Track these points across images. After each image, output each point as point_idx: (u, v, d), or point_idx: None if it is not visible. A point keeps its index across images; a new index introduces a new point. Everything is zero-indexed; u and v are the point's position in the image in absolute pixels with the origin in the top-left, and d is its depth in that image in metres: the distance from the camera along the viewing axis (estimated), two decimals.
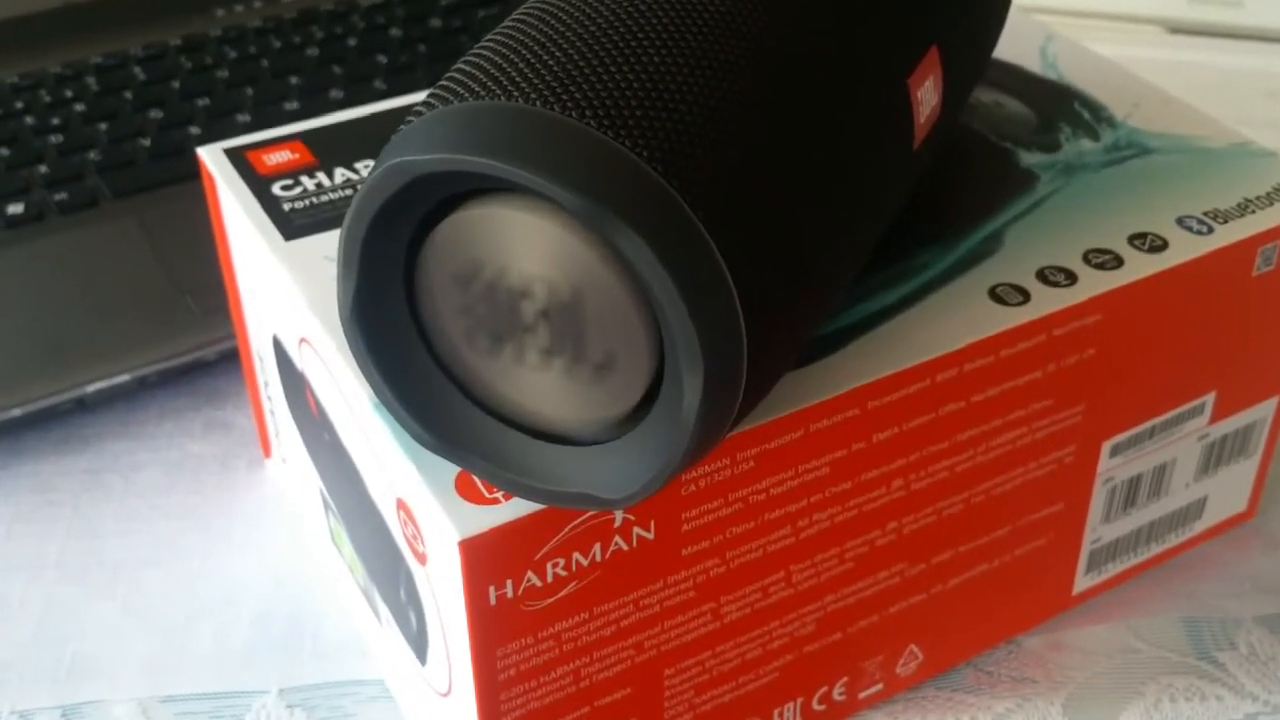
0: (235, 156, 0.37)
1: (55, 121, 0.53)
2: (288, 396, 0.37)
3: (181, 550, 0.40)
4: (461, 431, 0.26)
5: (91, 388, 0.43)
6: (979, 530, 0.34)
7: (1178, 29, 0.64)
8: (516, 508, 0.27)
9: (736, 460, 0.29)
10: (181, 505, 0.42)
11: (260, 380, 0.40)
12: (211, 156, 0.37)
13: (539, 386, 0.25)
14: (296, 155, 0.37)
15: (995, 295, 0.32)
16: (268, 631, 0.38)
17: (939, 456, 0.32)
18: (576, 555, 0.28)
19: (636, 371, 0.24)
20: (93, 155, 0.52)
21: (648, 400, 0.25)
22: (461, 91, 0.24)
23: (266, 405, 0.40)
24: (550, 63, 0.24)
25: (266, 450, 0.42)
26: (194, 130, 0.53)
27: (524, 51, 0.24)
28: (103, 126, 0.53)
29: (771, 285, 0.24)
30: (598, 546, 0.28)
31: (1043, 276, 0.32)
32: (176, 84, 0.56)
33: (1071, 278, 0.32)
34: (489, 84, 0.24)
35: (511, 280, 0.24)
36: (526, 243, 0.24)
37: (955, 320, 0.31)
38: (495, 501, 0.27)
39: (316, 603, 0.38)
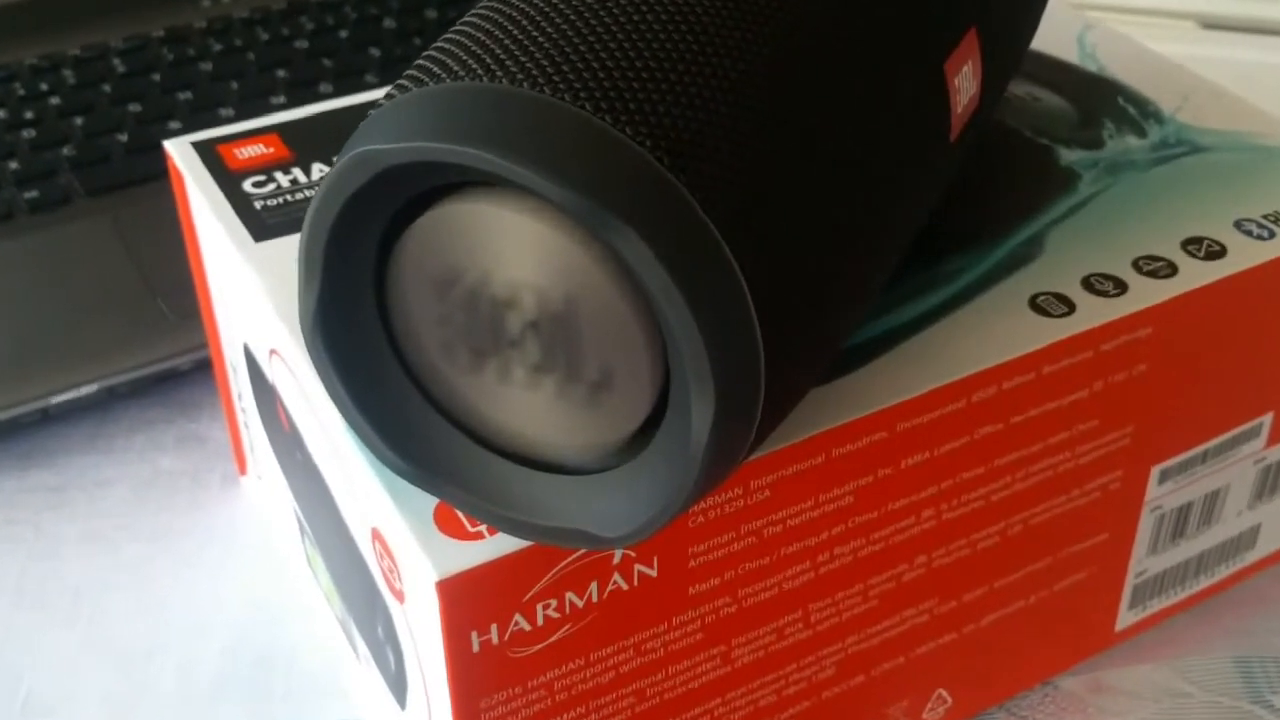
0: (204, 150, 0.34)
1: (29, 116, 0.51)
2: (260, 410, 0.34)
3: (147, 575, 0.37)
4: (439, 458, 0.23)
5: (57, 399, 0.40)
6: (1016, 564, 0.31)
7: (1211, 24, 0.61)
8: (502, 543, 0.24)
9: (750, 489, 0.26)
10: (150, 525, 0.39)
11: (234, 392, 0.37)
12: (179, 150, 0.34)
13: (527, 408, 0.22)
14: (271, 149, 0.34)
15: (1037, 305, 0.29)
16: (237, 666, 0.35)
17: (974, 484, 0.29)
18: (570, 595, 0.25)
19: (638, 392, 0.21)
20: (66, 151, 0.49)
21: (650, 425, 0.22)
22: (437, 72, 0.21)
23: (241, 419, 0.37)
24: (539, 39, 0.21)
25: (242, 467, 0.39)
26: (174, 125, 0.50)
27: (509, 27, 0.21)
28: (78, 121, 0.50)
29: (792, 295, 0.21)
30: (594, 585, 0.25)
31: (1089, 285, 0.29)
32: (157, 77, 0.53)
33: (1121, 286, 0.29)
34: (469, 63, 0.21)
35: (495, 288, 0.21)
36: (512, 245, 0.21)
37: (993, 333, 0.28)
38: (479, 536, 0.24)
39: (291, 635, 0.36)
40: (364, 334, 0.23)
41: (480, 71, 0.20)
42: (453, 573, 0.24)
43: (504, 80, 0.20)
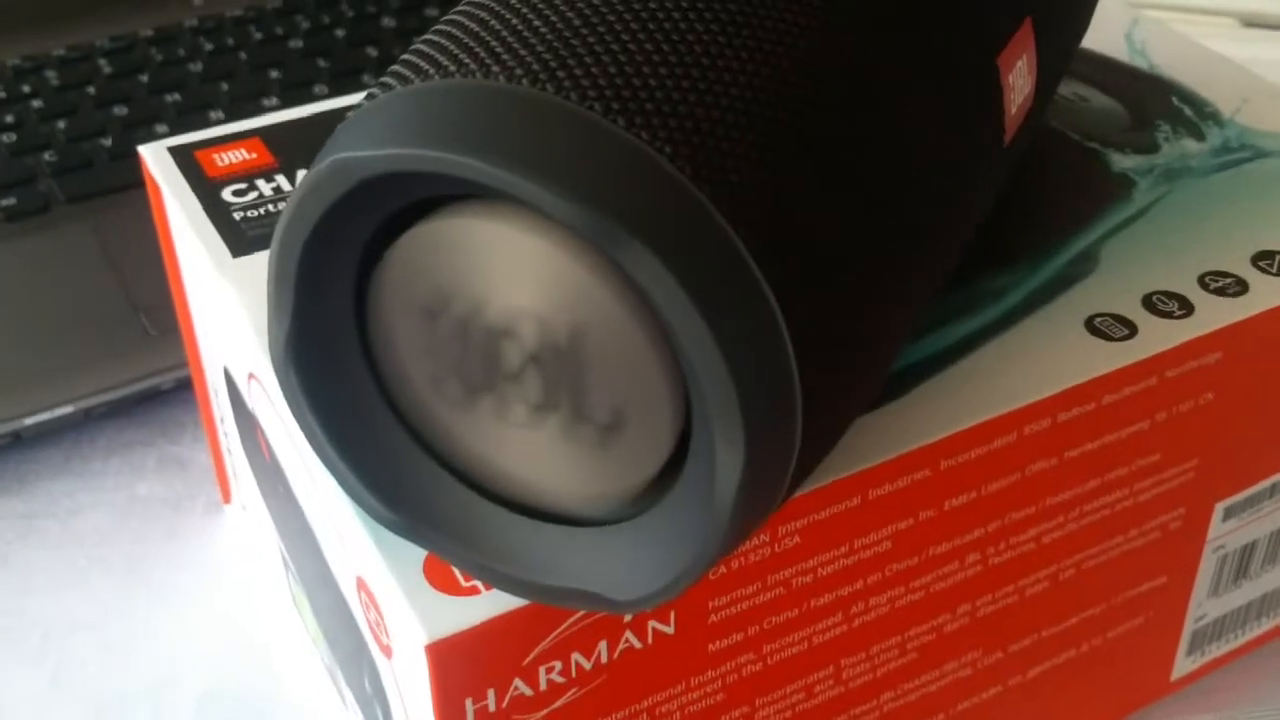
0: (181, 156, 0.31)
1: (9, 119, 0.48)
2: (241, 437, 0.32)
3: (122, 612, 0.35)
4: (429, 505, 0.20)
5: (30, 420, 0.38)
6: (1067, 611, 0.28)
7: (1252, 23, 0.58)
8: (500, 600, 0.21)
9: (778, 535, 0.23)
10: (125, 557, 0.36)
11: (216, 415, 0.34)
12: (154, 156, 0.31)
13: (528, 451, 0.19)
14: (254, 155, 0.31)
15: (1094, 328, 0.26)
16: (216, 714, 0.32)
17: (1024, 525, 0.26)
18: (577, 657, 0.22)
19: (654, 435, 0.18)
20: (48, 156, 0.46)
21: (669, 472, 0.19)
22: (424, 68, 0.18)
23: (224, 444, 0.35)
24: (542, 30, 0.18)
25: (226, 494, 0.37)
26: (161, 129, 0.48)
27: (507, 16, 0.18)
28: (61, 125, 0.48)
29: (832, 322, 0.18)
30: (603, 645, 0.22)
31: (1151, 305, 0.26)
32: (145, 78, 0.50)
33: (1186, 306, 0.26)
34: (460, 57, 0.18)
35: (491, 315, 0.18)
36: (510, 266, 0.18)
37: (1046, 358, 0.25)
38: (473, 590, 0.21)
39: (274, 680, 0.33)
40: (343, 365, 0.20)
41: (473, 67, 0.18)
42: (444, 634, 0.21)
43: (500, 77, 0.17)
